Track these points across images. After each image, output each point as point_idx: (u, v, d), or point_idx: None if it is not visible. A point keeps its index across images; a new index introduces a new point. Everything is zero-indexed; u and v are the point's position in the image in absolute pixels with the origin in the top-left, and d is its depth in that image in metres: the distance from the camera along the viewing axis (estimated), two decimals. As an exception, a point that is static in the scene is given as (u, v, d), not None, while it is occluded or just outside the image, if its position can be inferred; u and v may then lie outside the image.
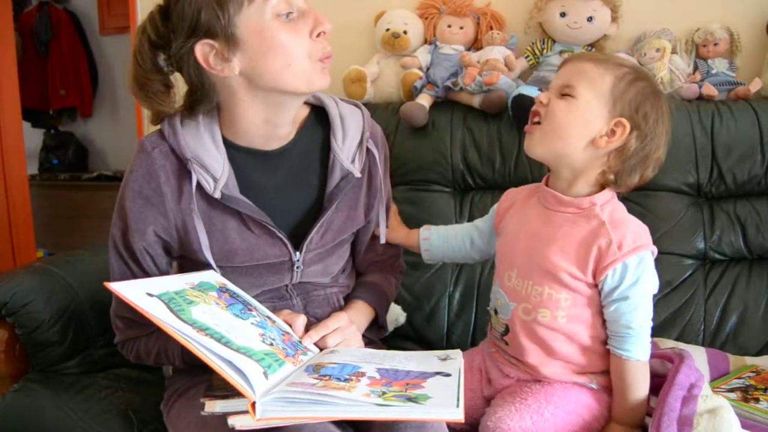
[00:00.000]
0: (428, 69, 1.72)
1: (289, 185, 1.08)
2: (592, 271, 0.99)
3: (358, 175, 1.09)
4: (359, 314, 1.15)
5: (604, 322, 1.04)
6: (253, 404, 0.77)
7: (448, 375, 0.86)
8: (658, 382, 1.14)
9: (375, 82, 1.76)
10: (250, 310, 0.96)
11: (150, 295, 0.86)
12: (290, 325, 1.02)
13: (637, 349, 1.00)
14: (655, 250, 1.02)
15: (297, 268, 1.10)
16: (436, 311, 1.51)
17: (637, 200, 1.47)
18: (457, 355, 0.97)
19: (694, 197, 1.48)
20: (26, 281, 1.27)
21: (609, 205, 1.02)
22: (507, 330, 1.08)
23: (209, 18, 0.92)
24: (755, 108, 1.46)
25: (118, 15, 3.94)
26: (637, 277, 0.98)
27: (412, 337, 1.50)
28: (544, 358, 1.05)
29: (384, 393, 0.79)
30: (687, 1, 1.66)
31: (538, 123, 1.01)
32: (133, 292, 0.85)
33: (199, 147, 1.01)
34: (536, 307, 1.03)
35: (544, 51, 1.68)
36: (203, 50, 0.95)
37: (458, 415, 0.76)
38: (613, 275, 0.98)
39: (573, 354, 1.05)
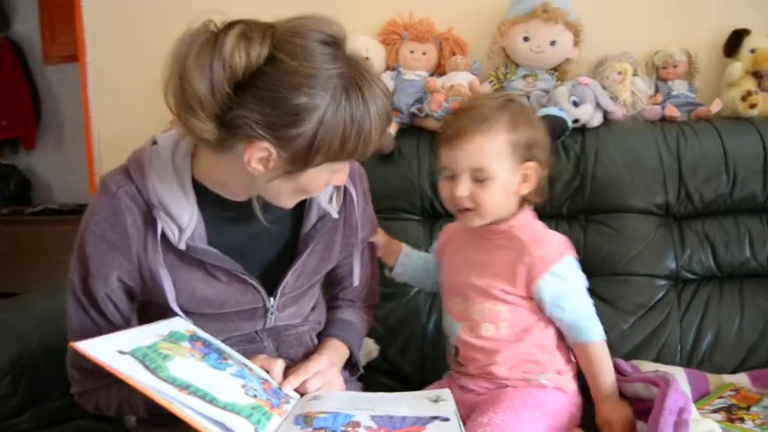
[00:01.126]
0: (392, 95, 1.69)
1: (262, 230, 1.01)
2: (524, 285, 1.08)
3: (335, 215, 1.05)
4: (335, 354, 1.09)
5: (547, 324, 1.11)
6: None
7: (446, 419, 0.82)
8: (644, 407, 1.12)
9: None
10: (225, 358, 0.89)
11: (122, 352, 0.79)
12: (268, 372, 0.96)
13: (591, 332, 1.09)
14: (574, 254, 1.12)
15: (271, 314, 1.04)
16: (411, 343, 1.47)
17: (606, 222, 1.47)
18: (447, 396, 0.93)
19: (663, 218, 1.48)
20: (-29, 330, 1.18)
21: (527, 227, 1.11)
22: (457, 351, 1.14)
23: (300, 143, 0.82)
24: (718, 128, 1.48)
25: (63, 44, 3.82)
26: (568, 280, 1.08)
27: (386, 370, 1.45)
28: (495, 366, 1.10)
29: None
30: (646, 24, 1.69)
31: (468, 209, 1.08)
32: (103, 350, 0.78)
33: (166, 192, 0.93)
34: (479, 322, 1.10)
35: (508, 75, 1.68)
36: (256, 148, 0.83)
37: None
38: (545, 283, 1.06)
39: (522, 356, 1.10)
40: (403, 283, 1.33)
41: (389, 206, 1.57)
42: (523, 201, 1.12)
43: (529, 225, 1.12)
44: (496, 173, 1.04)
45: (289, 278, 1.03)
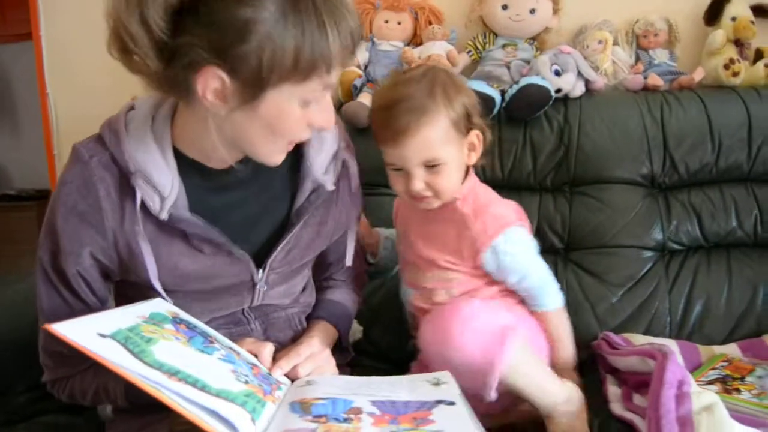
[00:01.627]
0: (366, 67, 1.63)
1: (251, 200, 0.95)
2: (469, 257, 1.07)
3: (331, 188, 0.98)
4: (325, 336, 1.04)
5: (502, 289, 1.10)
6: None
7: (451, 403, 0.77)
8: (640, 380, 1.11)
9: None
10: (211, 342, 0.83)
11: (102, 335, 0.71)
12: (256, 356, 0.90)
13: (545, 299, 1.10)
14: (523, 224, 1.10)
15: (259, 288, 0.98)
16: (394, 323, 1.41)
17: (592, 194, 1.45)
18: (448, 378, 0.87)
19: (649, 188, 1.46)
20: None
21: (470, 197, 1.08)
22: (414, 317, 1.15)
23: (249, 62, 0.74)
24: (701, 97, 1.46)
25: (15, 21, 3.64)
26: (512, 253, 1.05)
27: (369, 351, 1.39)
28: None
29: None
30: (626, -8, 1.65)
31: (426, 197, 1.05)
32: (82, 333, 0.70)
33: (145, 158, 0.86)
34: (431, 289, 1.10)
35: (486, 45, 1.63)
36: (209, 76, 0.76)
37: None
38: (488, 258, 1.05)
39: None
40: (383, 267, 1.29)
41: (368, 181, 1.48)
42: (467, 168, 1.09)
43: (472, 195, 1.08)
44: (448, 157, 1.02)
45: (280, 252, 0.96)
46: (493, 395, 0.93)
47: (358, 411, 0.74)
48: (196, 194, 0.90)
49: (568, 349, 1.12)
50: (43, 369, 0.98)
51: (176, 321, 0.84)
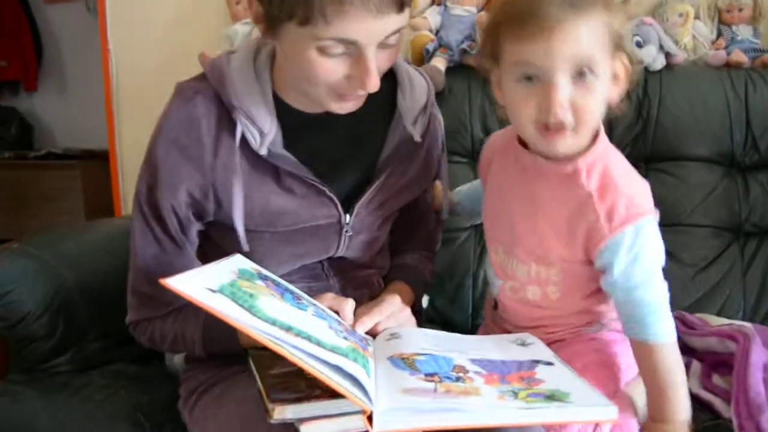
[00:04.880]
0: (438, 31, 1.60)
1: (341, 146, 0.95)
2: (583, 248, 0.86)
3: (417, 139, 0.97)
4: (404, 296, 1.02)
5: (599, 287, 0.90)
6: (369, 415, 0.64)
7: (549, 363, 0.75)
8: (719, 359, 1.08)
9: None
10: (299, 299, 0.81)
11: (212, 290, 0.70)
12: (336, 312, 0.88)
13: (659, 329, 0.83)
14: (655, 214, 0.86)
15: (346, 232, 0.97)
16: (460, 291, 1.41)
17: (669, 170, 1.41)
18: (534, 339, 0.86)
19: (727, 168, 1.42)
20: (4, 266, 1.10)
21: (599, 165, 0.85)
22: (496, 305, 0.99)
23: None
24: (788, 76, 1.41)
25: (65, -19, 3.67)
26: (635, 253, 0.82)
27: (435, 320, 1.38)
28: (542, 327, 0.94)
29: (515, 392, 0.67)
30: (712, -37, 1.58)
31: (562, 127, 0.81)
32: (194, 288, 0.69)
33: (247, 97, 0.87)
34: (524, 285, 0.93)
35: (562, 14, 1.58)
36: (254, 4, 0.81)
37: (614, 414, 0.65)
38: (606, 252, 0.83)
39: (564, 322, 0.94)
40: (457, 224, 1.24)
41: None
42: (597, 130, 0.86)
43: (601, 164, 0.85)
44: (601, 70, 0.79)
45: (367, 196, 0.96)
46: None
47: (463, 369, 0.72)
48: (289, 135, 0.91)
49: (677, 395, 0.83)
50: (115, 314, 1.00)
51: (262, 277, 0.83)
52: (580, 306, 0.93)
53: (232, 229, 0.91)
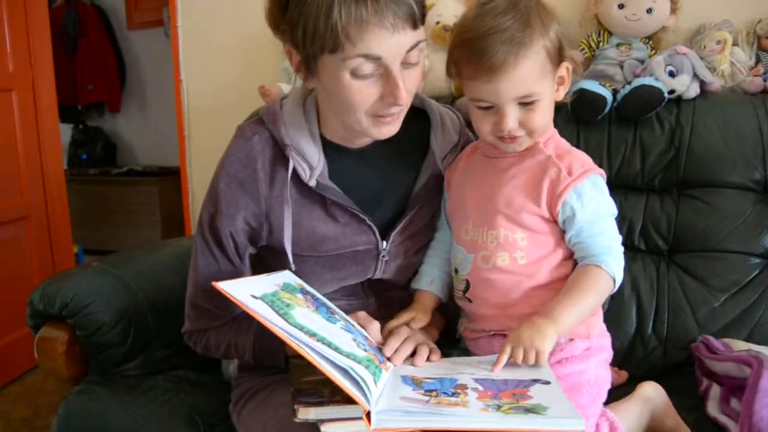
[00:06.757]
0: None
1: (379, 179, 1.08)
2: (546, 203, 0.98)
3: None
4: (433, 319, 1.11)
5: (566, 258, 1.01)
6: (368, 414, 0.75)
7: (547, 383, 0.83)
8: (736, 384, 1.12)
9: (425, 76, 1.72)
10: (332, 313, 0.93)
11: (254, 297, 0.83)
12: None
13: (614, 265, 0.95)
14: (603, 173, 1.01)
15: (382, 257, 1.08)
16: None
17: (701, 197, 1.43)
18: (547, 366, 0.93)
19: (761, 194, 1.43)
20: (86, 282, 1.26)
21: (552, 140, 1.02)
22: (468, 286, 1.04)
23: (301, 36, 0.90)
24: (824, 103, 1.41)
25: (146, 10, 3.95)
26: (596, 201, 0.97)
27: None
28: (507, 309, 1.00)
29: (499, 406, 0.77)
30: (749, -9, 1.61)
31: (517, 136, 0.97)
32: (240, 292, 0.82)
33: (297, 135, 1.02)
34: (494, 252, 1.00)
35: (601, 44, 1.64)
36: (290, 52, 0.96)
37: (582, 426, 0.73)
38: (570, 202, 0.96)
39: (534, 298, 0.99)
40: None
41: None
42: None
43: (554, 139, 1.02)
44: (544, 92, 0.94)
45: (401, 226, 1.07)
46: None
47: (463, 387, 0.82)
48: (333, 169, 1.04)
49: (575, 314, 0.93)
50: (178, 326, 1.14)
51: (303, 292, 0.95)
52: (546, 277, 0.99)
53: (282, 253, 1.04)
